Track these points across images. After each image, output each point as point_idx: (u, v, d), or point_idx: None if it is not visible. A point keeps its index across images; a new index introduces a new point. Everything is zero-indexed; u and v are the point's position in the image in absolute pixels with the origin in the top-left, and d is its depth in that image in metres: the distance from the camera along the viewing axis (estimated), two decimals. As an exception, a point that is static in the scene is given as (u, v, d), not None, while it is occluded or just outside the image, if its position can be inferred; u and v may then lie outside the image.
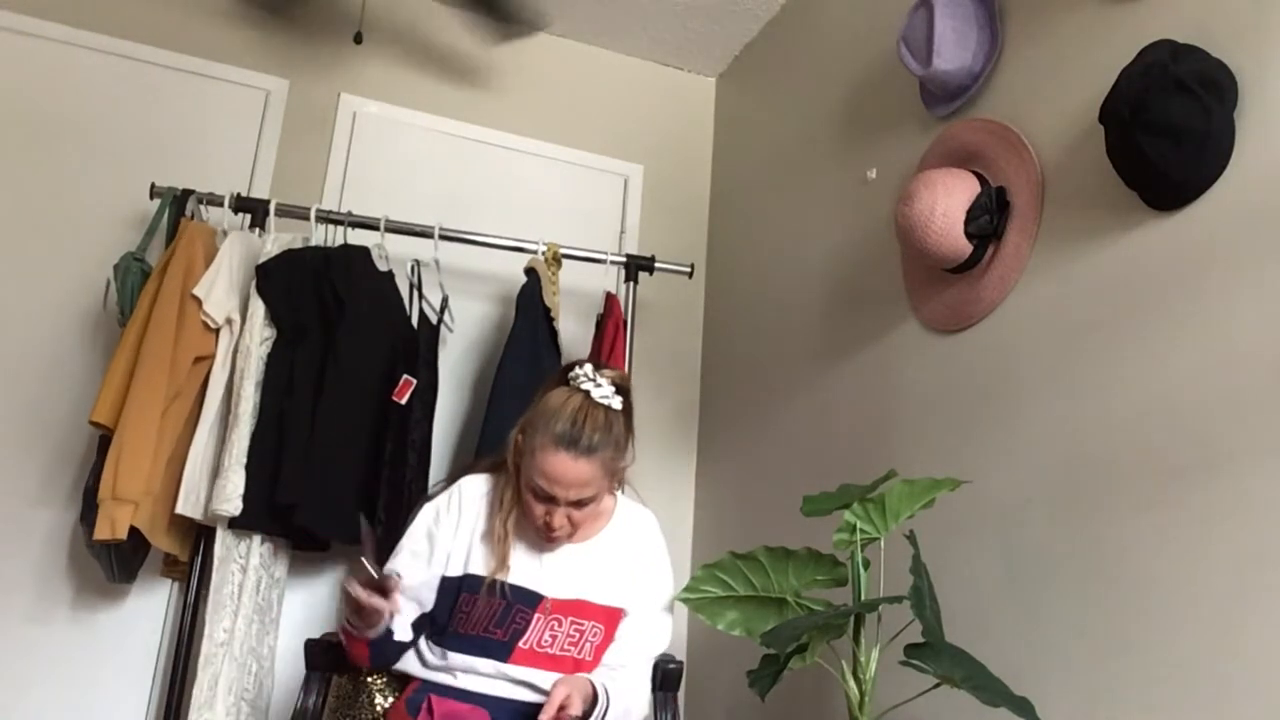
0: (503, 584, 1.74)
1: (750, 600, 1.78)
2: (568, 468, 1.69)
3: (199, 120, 2.88)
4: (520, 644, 1.74)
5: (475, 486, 1.86)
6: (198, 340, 2.37)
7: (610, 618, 1.81)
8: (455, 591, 1.77)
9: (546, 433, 1.70)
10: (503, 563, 1.75)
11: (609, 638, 1.81)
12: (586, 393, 1.74)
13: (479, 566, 1.77)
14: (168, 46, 2.88)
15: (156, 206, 2.54)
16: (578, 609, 1.77)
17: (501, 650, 1.74)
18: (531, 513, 1.75)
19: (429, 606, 1.80)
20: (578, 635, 1.77)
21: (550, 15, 3.15)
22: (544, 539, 1.78)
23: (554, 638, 1.75)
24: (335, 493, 2.34)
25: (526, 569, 1.78)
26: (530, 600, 1.75)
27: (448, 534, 1.81)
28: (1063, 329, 1.81)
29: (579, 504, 1.73)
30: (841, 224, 2.59)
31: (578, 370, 1.78)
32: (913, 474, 1.82)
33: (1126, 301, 1.68)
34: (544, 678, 1.72)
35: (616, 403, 1.76)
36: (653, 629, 1.85)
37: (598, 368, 1.79)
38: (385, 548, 2.23)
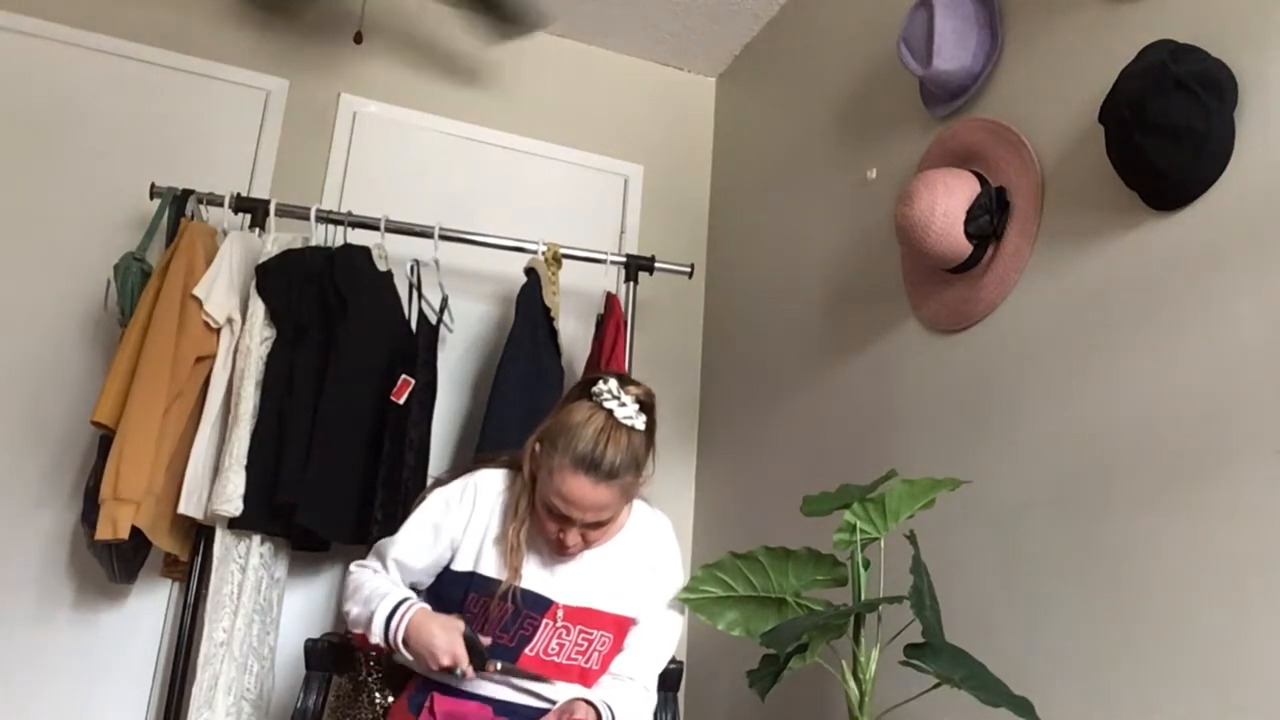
0: (513, 588, 1.72)
1: (750, 600, 1.78)
2: (586, 492, 1.64)
3: (199, 120, 2.88)
4: (526, 651, 1.72)
5: (491, 483, 1.81)
6: (199, 340, 2.37)
7: (620, 626, 1.79)
8: (463, 588, 1.75)
9: (566, 453, 1.64)
10: (515, 573, 1.72)
11: (617, 646, 1.79)
12: (610, 412, 1.66)
13: (489, 568, 1.74)
14: (168, 46, 2.88)
15: (156, 206, 2.54)
16: (587, 617, 1.75)
17: (507, 656, 1.72)
18: (545, 527, 1.71)
19: (424, 588, 1.80)
20: (585, 644, 1.75)
21: (551, 15, 3.15)
22: (556, 553, 1.75)
23: (561, 646, 1.73)
24: (334, 492, 2.34)
25: (537, 574, 1.75)
26: (540, 606, 1.73)
27: (456, 527, 1.77)
28: (1063, 329, 1.81)
29: (595, 525, 1.70)
30: (841, 224, 2.59)
31: (602, 385, 1.70)
32: (913, 474, 1.82)
33: (1126, 301, 1.68)
34: (548, 686, 1.71)
35: (640, 423, 1.68)
36: (662, 636, 1.83)
37: (623, 383, 1.71)
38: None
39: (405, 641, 1.65)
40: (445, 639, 1.62)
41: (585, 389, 1.73)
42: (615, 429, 1.65)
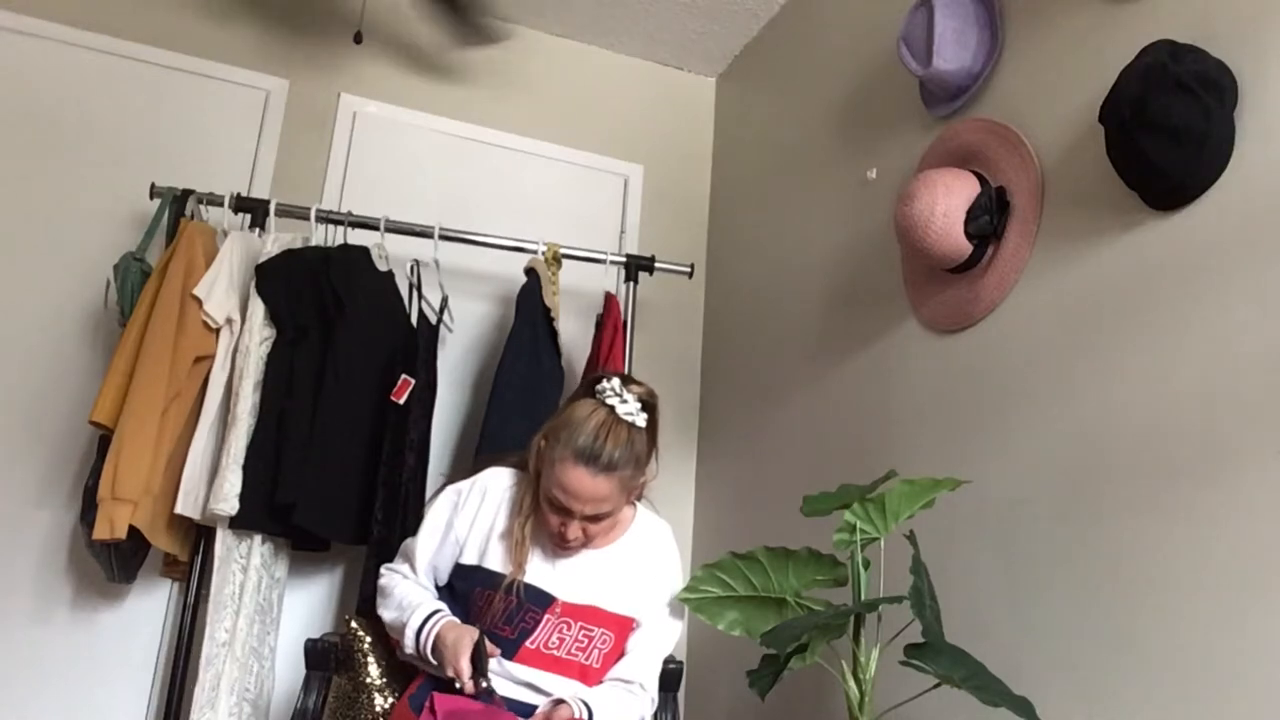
0: (515, 582, 1.75)
1: (750, 600, 1.78)
2: (585, 484, 1.68)
3: (199, 120, 2.88)
4: (527, 643, 1.74)
5: (500, 480, 1.87)
6: (198, 340, 2.37)
7: (621, 626, 1.80)
8: (471, 582, 1.79)
9: (568, 445, 1.69)
10: (520, 567, 1.75)
11: (619, 646, 1.81)
12: (611, 408, 1.72)
13: (495, 563, 1.78)
14: (168, 46, 2.88)
15: (156, 206, 2.54)
16: (588, 614, 1.77)
17: (508, 648, 1.74)
18: (547, 521, 1.75)
19: (444, 581, 1.85)
20: (586, 641, 1.76)
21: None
22: (558, 547, 1.78)
23: (561, 640, 1.75)
24: (334, 492, 2.34)
25: (540, 570, 1.78)
26: (541, 601, 1.75)
27: (465, 521, 1.83)
28: (1063, 329, 1.81)
29: (595, 518, 1.73)
30: (841, 224, 2.59)
31: (605, 384, 1.76)
32: (913, 474, 1.82)
33: (1126, 301, 1.68)
34: (547, 679, 1.72)
35: (641, 420, 1.75)
36: (660, 640, 1.85)
37: (626, 382, 1.77)
38: (386, 545, 2.24)
39: (433, 652, 1.72)
40: (452, 654, 1.67)
41: (589, 387, 1.79)
42: (616, 424, 1.71)
